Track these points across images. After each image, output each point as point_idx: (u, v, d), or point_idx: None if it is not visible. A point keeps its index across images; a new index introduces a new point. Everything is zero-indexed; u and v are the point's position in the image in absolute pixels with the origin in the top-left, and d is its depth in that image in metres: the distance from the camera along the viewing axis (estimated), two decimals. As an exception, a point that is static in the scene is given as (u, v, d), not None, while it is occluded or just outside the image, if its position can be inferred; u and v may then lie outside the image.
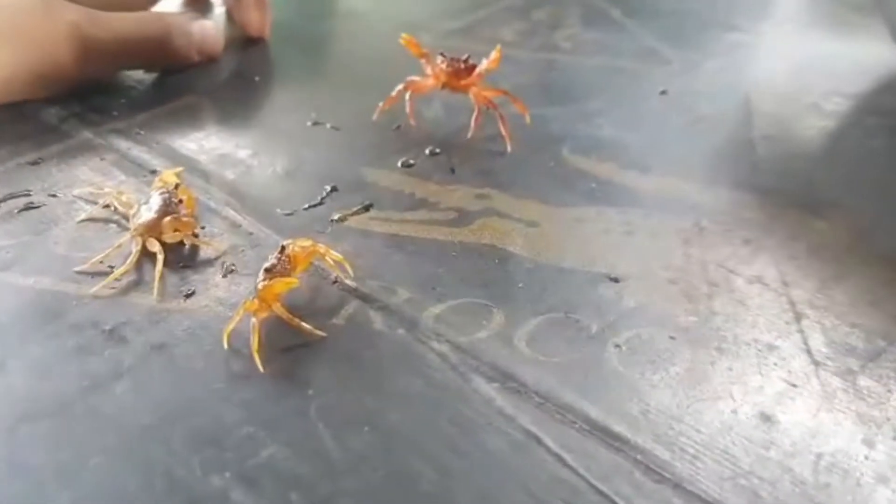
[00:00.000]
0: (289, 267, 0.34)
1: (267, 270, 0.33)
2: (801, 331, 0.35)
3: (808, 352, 0.34)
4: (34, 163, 0.44)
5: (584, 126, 0.51)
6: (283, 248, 0.34)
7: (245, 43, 0.61)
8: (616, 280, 0.38)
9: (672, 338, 0.34)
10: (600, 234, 0.41)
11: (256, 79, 0.56)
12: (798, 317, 0.36)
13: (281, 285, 0.33)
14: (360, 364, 0.32)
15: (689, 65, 0.60)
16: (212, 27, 0.56)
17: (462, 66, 0.50)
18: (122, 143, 0.47)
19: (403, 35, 0.50)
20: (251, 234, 0.40)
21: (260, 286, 0.33)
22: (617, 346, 0.34)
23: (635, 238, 0.41)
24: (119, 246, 0.37)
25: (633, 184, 0.46)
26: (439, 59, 0.50)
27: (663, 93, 0.56)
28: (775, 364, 0.33)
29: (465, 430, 0.30)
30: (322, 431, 0.29)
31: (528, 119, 0.50)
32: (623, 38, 0.64)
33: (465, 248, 0.40)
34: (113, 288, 0.36)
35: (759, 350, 0.34)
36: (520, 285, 0.37)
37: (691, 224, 0.42)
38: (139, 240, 0.37)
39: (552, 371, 0.32)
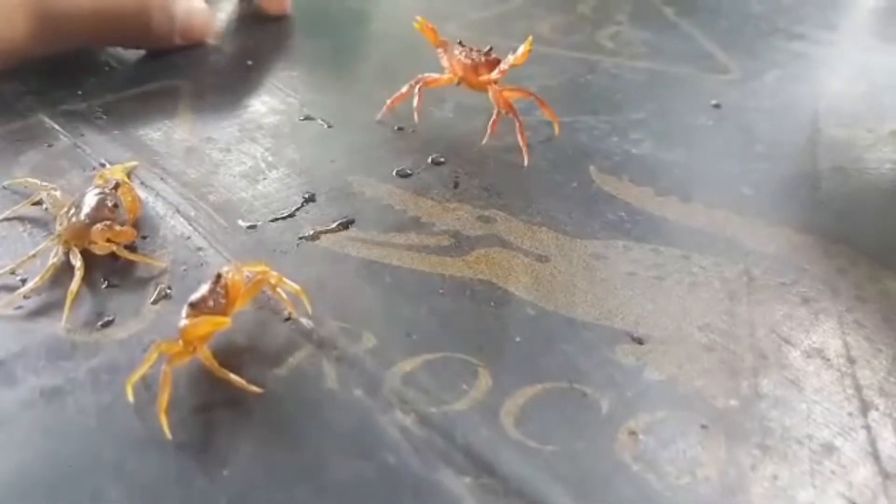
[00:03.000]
0: (223, 301, 0.27)
1: (192, 305, 0.27)
2: (867, 427, 0.27)
3: (876, 458, 0.26)
4: (-29, 144, 0.38)
5: (618, 140, 0.43)
6: (218, 276, 0.27)
7: (256, 20, 0.54)
8: (639, 341, 0.30)
9: (704, 427, 0.27)
10: (624, 278, 0.33)
11: (249, 63, 0.49)
12: (865, 407, 0.28)
13: (207, 325, 0.26)
14: (298, 436, 0.25)
15: (748, 75, 0.52)
16: (200, 9, 0.49)
17: (483, 59, 0.42)
18: (77, 129, 0.40)
19: (418, 19, 0.43)
20: (200, 249, 0.33)
21: (181, 324, 0.26)
22: (632, 433, 0.26)
23: (667, 286, 0.33)
24: (34, 255, 0.31)
25: (671, 215, 0.38)
26: (457, 50, 0.43)
27: (716, 106, 0.47)
28: (832, 473, 0.26)
29: (418, 543, 0.22)
30: (230, 531, 0.22)
31: (556, 129, 0.43)
32: (675, 40, 0.56)
33: (455, 284, 0.32)
34: (18, 307, 0.29)
35: (814, 452, 0.26)
36: (517, 339, 0.30)
37: (739, 273, 0.34)
38: (61, 248, 0.31)
39: (543, 464, 0.25)
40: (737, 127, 0.46)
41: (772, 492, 0.25)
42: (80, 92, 0.44)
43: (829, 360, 0.30)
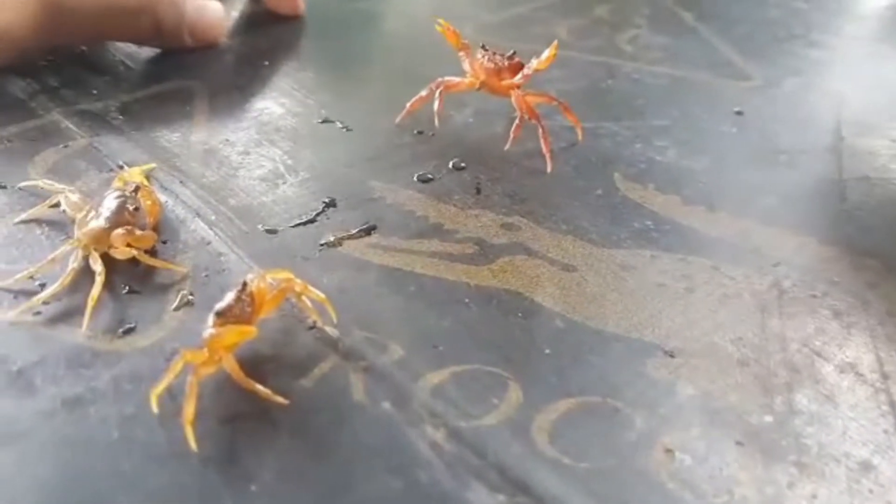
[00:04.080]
0: (249, 310, 0.26)
1: (219, 314, 0.26)
2: (906, 444, 0.27)
3: (918, 477, 0.26)
4: (-13, 144, 0.38)
5: (642, 147, 0.43)
6: (244, 284, 0.27)
7: (270, 20, 0.53)
8: (671, 355, 0.29)
9: (740, 444, 0.26)
10: (653, 290, 0.33)
11: (265, 63, 0.48)
12: (903, 424, 0.27)
13: (234, 335, 0.25)
14: (325, 451, 0.25)
15: (768, 82, 0.51)
16: (212, 7, 0.48)
17: (505, 63, 0.42)
18: (93, 129, 0.40)
19: (440, 21, 0.42)
20: (221, 255, 0.32)
21: (207, 334, 0.25)
22: (668, 450, 0.26)
23: (697, 298, 0.33)
24: (53, 259, 0.30)
25: (699, 224, 0.37)
26: (479, 53, 0.42)
27: (739, 113, 0.47)
28: (871, 492, 0.25)
29: (452, 563, 0.22)
30: (259, 549, 0.22)
31: (579, 134, 0.42)
32: (694, 46, 0.56)
33: (481, 293, 0.32)
34: (37, 313, 0.28)
35: (851, 469, 0.26)
36: (546, 351, 0.29)
37: (769, 285, 0.33)
38: (81, 253, 0.30)
39: (578, 483, 0.24)
40: (759, 134, 0.45)
41: (812, 513, 0.24)
42: (94, 91, 0.43)
43: (862, 375, 0.29)
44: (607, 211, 0.37)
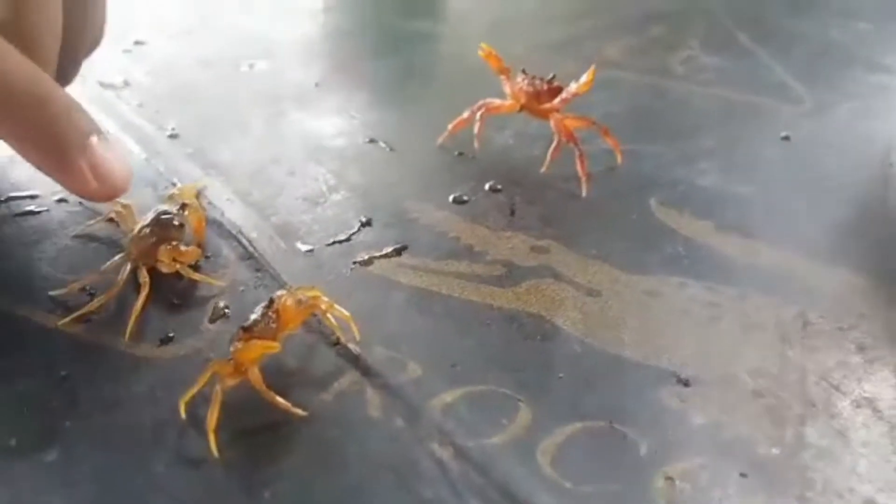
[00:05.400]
0: (274, 326, 0.28)
1: (245, 329, 0.28)
2: (918, 485, 0.26)
3: (927, 518, 0.25)
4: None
5: (682, 171, 0.43)
6: (271, 301, 0.29)
7: (325, 41, 0.56)
8: (685, 383, 0.30)
9: (744, 475, 0.26)
10: (677, 316, 0.33)
11: (316, 84, 0.50)
12: (919, 464, 0.27)
13: (258, 349, 0.27)
14: (339, 462, 0.26)
15: (821, 106, 0.50)
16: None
17: (545, 87, 0.43)
18: (151, 146, 0.42)
19: (482, 46, 0.43)
20: (258, 271, 0.34)
21: (233, 348, 0.27)
22: (669, 478, 0.26)
23: (721, 327, 0.33)
24: (104, 271, 0.32)
25: (731, 251, 0.37)
26: (520, 77, 0.43)
27: (785, 138, 0.46)
28: (876, 530, 0.25)
29: (446, 577, 0.23)
30: (266, 552, 0.23)
31: (618, 158, 0.43)
32: (748, 68, 0.55)
33: (504, 315, 0.33)
34: (86, 321, 0.31)
35: (857, 506, 0.26)
36: (560, 375, 0.30)
37: (794, 315, 0.33)
38: (129, 266, 0.33)
39: (576, 505, 0.25)
40: (805, 161, 0.44)
41: (810, 549, 0.24)
42: (156, 111, 0.46)
43: (880, 411, 0.29)
44: (639, 236, 0.38)
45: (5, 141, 0.30)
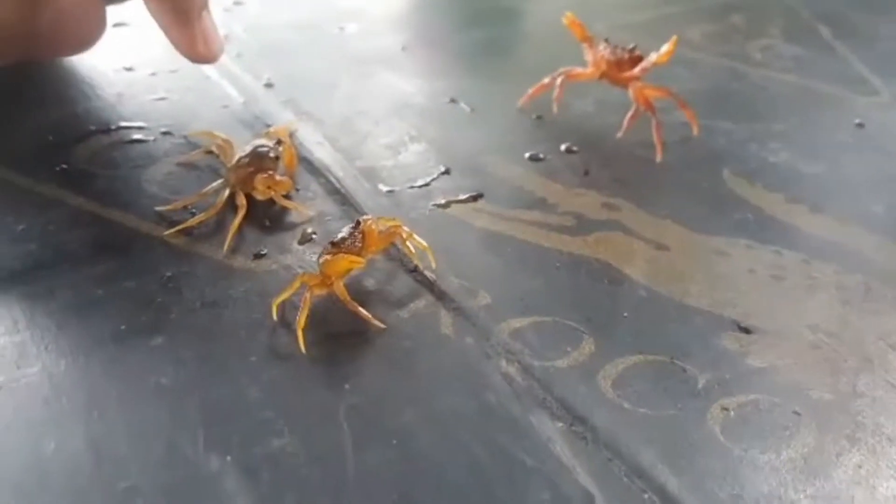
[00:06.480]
0: (359, 245, 0.30)
1: (334, 244, 0.30)
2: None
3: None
4: (161, 98, 0.44)
5: (756, 147, 0.44)
6: (358, 222, 0.31)
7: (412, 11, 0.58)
8: (746, 331, 0.31)
9: (797, 413, 0.27)
10: (742, 274, 0.34)
11: (402, 48, 0.52)
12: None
13: (345, 262, 0.29)
14: (412, 368, 0.28)
15: (900, 98, 0.50)
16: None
17: (626, 55, 0.44)
18: (248, 92, 0.45)
19: (567, 14, 0.45)
20: (343, 205, 0.36)
21: (322, 260, 0.30)
22: (725, 409, 0.27)
23: (785, 286, 0.34)
24: (205, 193, 0.35)
25: (799, 222, 0.38)
26: (602, 45, 0.45)
27: (859, 125, 0.47)
28: (924, 474, 0.26)
29: (508, 473, 0.25)
30: (345, 435, 0.25)
31: (695, 129, 0.44)
32: (827, 60, 0.55)
33: (573, 260, 0.34)
34: (187, 234, 0.34)
35: (907, 452, 0.27)
36: (625, 314, 0.31)
37: (858, 282, 0.34)
38: (228, 191, 0.35)
39: (634, 423, 0.27)
40: (877, 147, 0.45)
41: (854, 479, 0.25)
42: (250, 60, 0.49)
43: (939, 372, 0.30)
44: (710, 201, 0.39)
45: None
